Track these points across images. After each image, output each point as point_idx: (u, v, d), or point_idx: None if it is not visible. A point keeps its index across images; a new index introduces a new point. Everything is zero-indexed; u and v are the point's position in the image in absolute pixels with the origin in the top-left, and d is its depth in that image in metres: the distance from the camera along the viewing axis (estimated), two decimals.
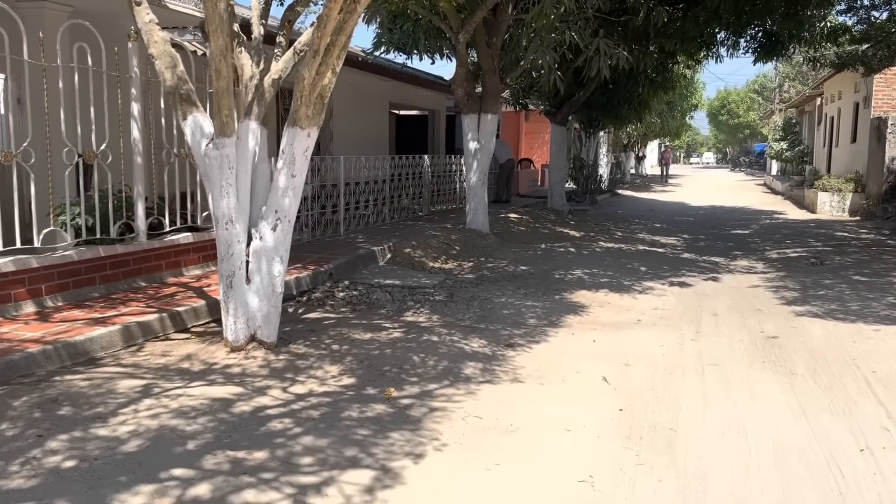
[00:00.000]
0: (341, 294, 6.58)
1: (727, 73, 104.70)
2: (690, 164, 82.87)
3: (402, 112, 18.24)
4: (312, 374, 4.20)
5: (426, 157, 11.99)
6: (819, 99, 24.98)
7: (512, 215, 12.69)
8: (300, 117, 4.22)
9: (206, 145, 4.19)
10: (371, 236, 9.20)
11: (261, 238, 4.38)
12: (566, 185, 18.72)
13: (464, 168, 10.16)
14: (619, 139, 29.28)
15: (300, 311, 6.04)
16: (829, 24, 12.41)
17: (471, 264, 8.57)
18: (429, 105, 16.50)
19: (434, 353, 4.68)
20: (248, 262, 4.46)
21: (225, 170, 4.20)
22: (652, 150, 46.56)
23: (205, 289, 5.98)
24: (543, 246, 9.99)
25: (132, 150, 6.04)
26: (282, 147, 4.35)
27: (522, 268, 8.39)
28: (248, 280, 4.44)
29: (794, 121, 29.52)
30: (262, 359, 4.42)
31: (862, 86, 17.44)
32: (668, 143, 39.78)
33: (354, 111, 12.52)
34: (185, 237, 6.68)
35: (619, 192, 23.40)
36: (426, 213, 12.27)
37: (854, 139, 18.41)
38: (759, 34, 13.11)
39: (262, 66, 4.47)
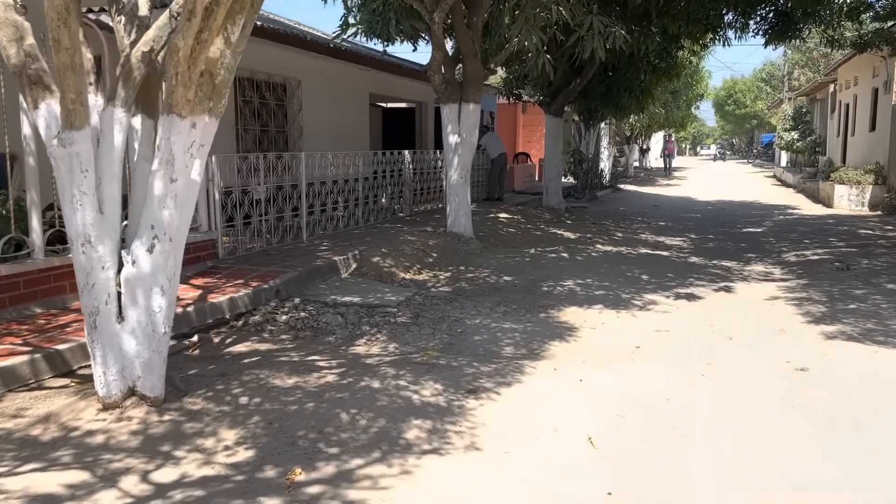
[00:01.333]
0: (284, 317, 5.53)
1: (733, 62, 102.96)
2: (698, 156, 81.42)
3: (389, 105, 17.17)
4: (198, 446, 3.15)
5: (406, 152, 10.93)
6: (832, 86, 23.77)
7: (502, 215, 11.62)
8: (177, 101, 3.17)
9: (52, 142, 3.13)
10: (338, 243, 8.15)
11: (133, 263, 3.33)
12: (564, 181, 17.66)
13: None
14: (622, 131, 28.12)
15: (227, 341, 5.00)
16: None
17: (448, 275, 7.51)
18: (415, 97, 15.41)
19: (370, 408, 3.63)
20: (120, 293, 3.40)
21: (76, 173, 3.15)
22: (657, 141, 45.34)
23: None
24: (533, 251, 8.92)
25: (23, 150, 5.00)
26: (157, 142, 3.29)
27: (506, 278, 7.33)
28: (122, 317, 3.39)
29: (804, 109, 28.29)
30: (139, 420, 3.38)
31: (882, 69, 16.25)
32: (671, 134, 38.51)
33: (329, 103, 11.46)
34: None
35: (622, 186, 22.29)
36: (408, 213, 11.21)
37: (873, 127, 17.24)
38: (770, 14, 11.98)
39: (132, 35, 3.41)
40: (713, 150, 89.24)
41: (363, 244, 8.05)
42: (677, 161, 42.30)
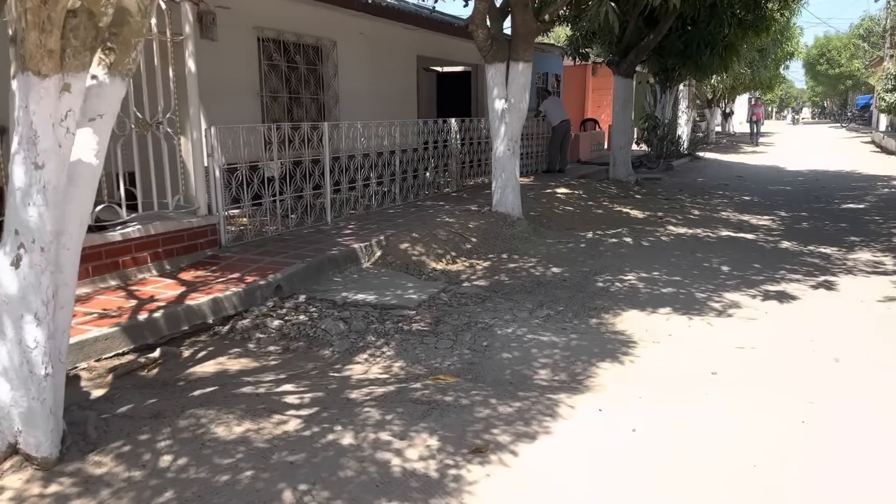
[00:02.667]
0: (277, 322, 4.60)
1: (827, 16, 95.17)
2: (787, 121, 76.41)
3: (445, 69, 15.99)
4: None
5: (453, 120, 9.81)
6: None
7: (560, 190, 10.38)
8: (31, 52, 2.20)
9: None
10: (366, 225, 7.18)
11: None
12: (637, 149, 16.16)
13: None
14: (702, 93, 25.96)
15: (198, 356, 4.11)
16: None
17: (486, 264, 6.43)
18: (470, 59, 14.15)
19: (327, 482, 2.63)
20: None
21: None
22: (740, 105, 42.30)
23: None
24: (591, 234, 7.71)
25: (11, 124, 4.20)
26: (14, 112, 2.34)
27: (554, 270, 6.19)
28: None
29: None
30: (13, 493, 2.50)
31: None
32: (758, 97, 35.65)
33: (369, 67, 10.43)
34: (134, 230, 4.99)
35: (701, 154, 20.44)
36: (455, 189, 10.13)
37: None
38: None
39: None
40: (805, 113, 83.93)
41: (394, 227, 7.04)
42: (764, 126, 39.26)
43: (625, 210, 9.52)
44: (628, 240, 7.43)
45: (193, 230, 5.64)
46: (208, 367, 3.90)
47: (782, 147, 26.69)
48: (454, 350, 4.23)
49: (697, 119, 25.92)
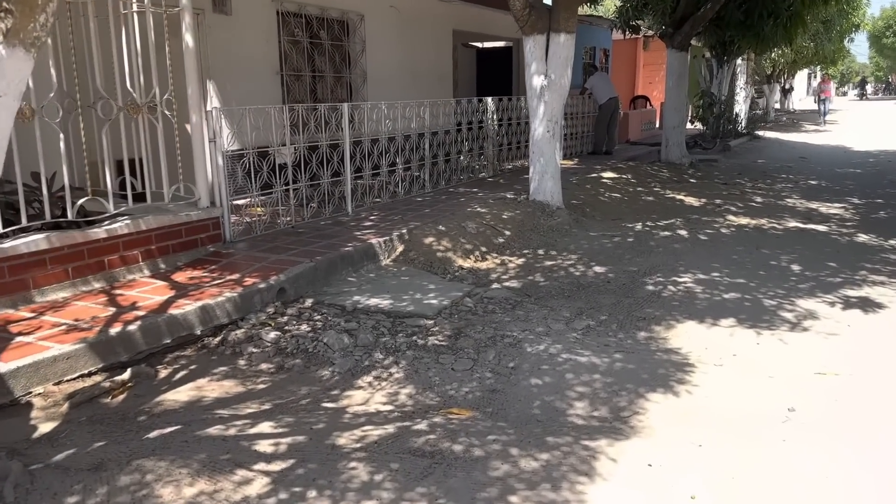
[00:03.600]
0: (272, 335, 4.01)
1: None
2: (850, 97, 72.77)
3: (485, 45, 15.18)
4: None
5: (489, 99, 9.06)
6: None
7: (607, 175, 9.55)
8: None
9: None
10: (389, 216, 6.55)
11: None
12: (691, 128, 15.13)
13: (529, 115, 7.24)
14: (761, 68, 24.44)
15: (174, 378, 3.55)
16: None
17: (520, 261, 5.73)
18: (512, 34, 13.32)
19: None
20: None
21: None
22: (800, 80, 40.12)
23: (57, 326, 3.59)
24: (640, 226, 6.92)
25: None
26: None
27: (597, 269, 5.45)
28: None
29: None
30: None
31: None
32: (826, 73, 33.61)
33: (400, 43, 9.74)
34: (123, 225, 4.48)
35: (760, 134, 19.16)
36: (491, 174, 9.41)
37: None
38: None
39: None
40: (869, 88, 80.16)
41: (419, 218, 6.40)
42: (809, 102, 36.93)
43: (679, 197, 8.66)
44: (683, 232, 6.62)
45: (192, 224, 5.09)
46: (182, 394, 3.33)
47: (847, 125, 25.03)
48: (474, 372, 3.58)
49: (755, 96, 24.46)
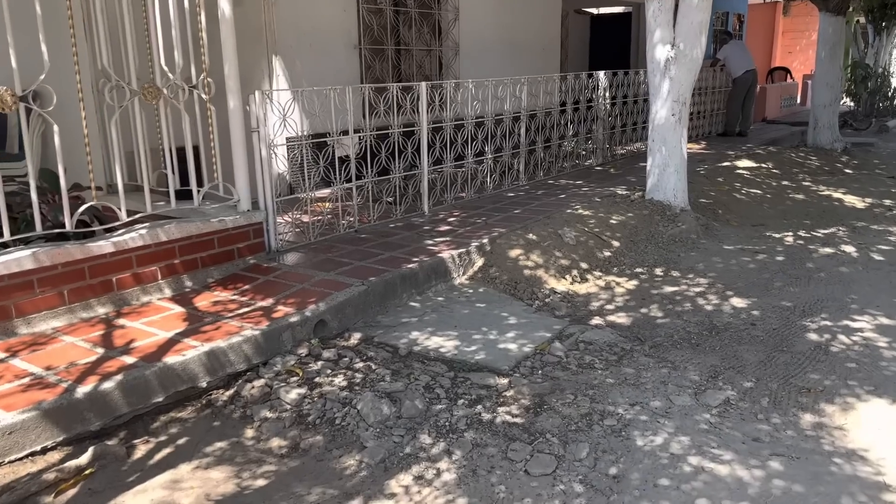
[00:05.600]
0: (293, 394, 3.06)
1: None
2: None
3: (600, 10, 13.64)
4: None
5: (601, 74, 7.72)
6: None
7: (743, 163, 8.00)
8: None
9: None
10: (470, 217, 5.48)
11: None
12: (840, 105, 13.03)
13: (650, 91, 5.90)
14: None
15: (150, 461, 2.66)
16: None
17: (631, 285, 4.51)
18: None
19: None
20: None
21: None
22: None
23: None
24: (790, 237, 5.46)
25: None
26: None
27: (736, 302, 4.15)
28: None
29: None
30: None
31: None
32: None
33: (500, 9, 8.53)
34: (135, 236, 3.70)
35: None
36: (600, 161, 8.10)
37: None
38: None
39: None
40: None
41: (507, 221, 5.28)
42: None
43: (835, 194, 7.02)
44: (849, 249, 5.12)
45: (228, 232, 4.22)
46: (150, 493, 2.43)
47: None
48: (556, 481, 2.47)
49: None
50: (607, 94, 7.84)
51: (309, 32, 6.43)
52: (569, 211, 5.49)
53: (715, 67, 10.47)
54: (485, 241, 4.77)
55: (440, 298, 4.22)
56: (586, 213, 5.44)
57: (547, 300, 4.25)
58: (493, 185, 6.41)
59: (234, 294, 3.89)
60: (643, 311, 4.09)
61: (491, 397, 3.04)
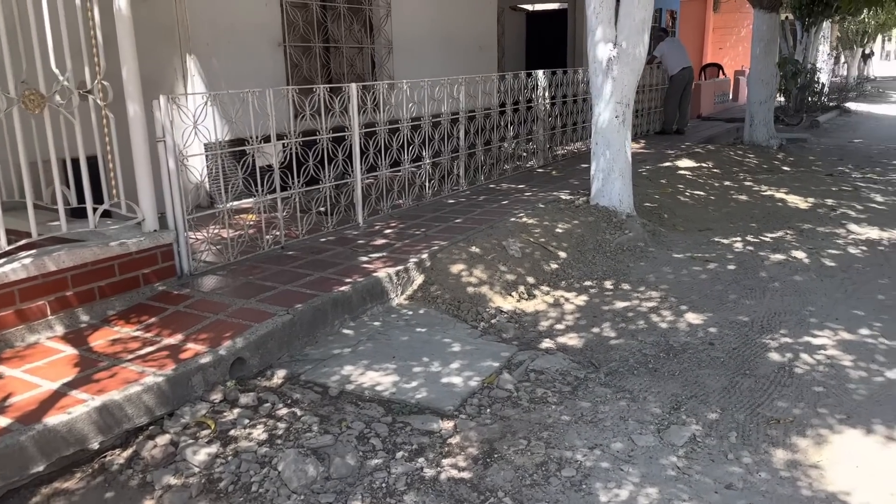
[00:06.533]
0: (201, 455, 2.62)
1: None
2: None
3: (536, 7, 13.43)
4: None
5: (540, 73, 7.45)
6: None
7: (684, 163, 7.87)
8: None
9: None
10: (408, 229, 5.10)
11: None
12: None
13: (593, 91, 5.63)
14: (848, 32, 21.91)
15: None
16: None
17: (580, 301, 4.21)
18: None
19: None
20: None
21: None
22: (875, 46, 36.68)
23: None
24: (739, 243, 5.28)
25: None
26: None
27: (692, 318, 3.90)
28: None
29: None
30: None
31: None
32: None
33: (434, 5, 8.17)
34: (17, 267, 3.14)
35: (849, 106, 16.92)
36: (542, 163, 7.83)
37: None
38: None
39: None
40: None
41: (448, 232, 4.92)
42: (883, 67, 33.44)
43: (778, 194, 6.93)
44: (800, 255, 4.96)
45: (131, 256, 3.72)
46: None
47: None
48: None
49: (837, 63, 22.00)
50: (546, 94, 7.58)
51: (227, 29, 5.92)
52: (513, 219, 5.17)
53: (652, 65, 10.36)
54: (424, 255, 4.40)
55: (377, 323, 3.83)
56: (531, 221, 5.14)
57: (493, 321, 3.91)
58: (432, 192, 6.04)
59: (138, 329, 3.41)
60: (595, 330, 3.79)
61: (434, 446, 2.67)
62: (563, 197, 5.98)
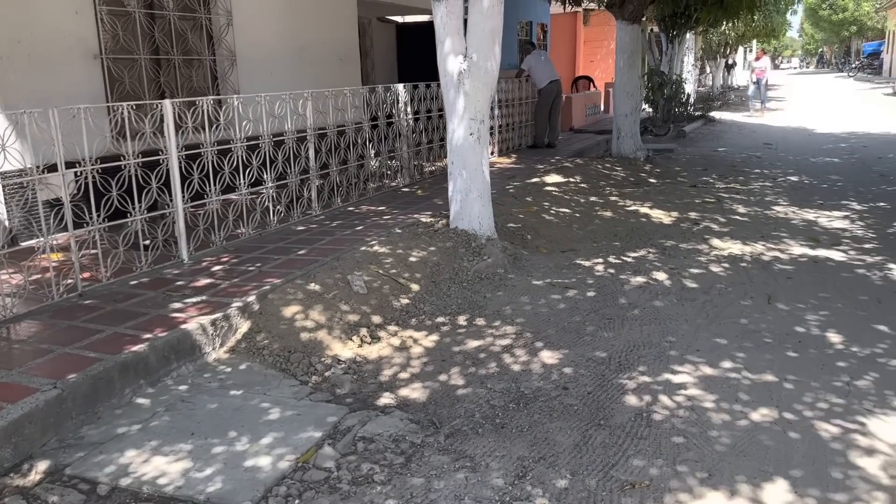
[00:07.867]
0: None
1: None
2: (778, 69, 73.36)
3: (407, 18, 13.07)
4: None
5: (400, 87, 7.02)
6: None
7: (551, 178, 7.66)
8: None
9: None
10: (241, 264, 4.50)
11: None
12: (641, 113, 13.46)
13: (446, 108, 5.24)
14: (710, 43, 23.01)
15: None
16: None
17: (430, 342, 3.76)
18: None
19: None
20: None
21: None
22: (739, 56, 39.16)
23: None
24: (601, 266, 5.00)
25: None
26: None
27: (546, 356, 3.53)
28: None
29: None
30: None
31: None
32: (763, 48, 32.58)
33: (283, 16, 7.58)
34: None
35: (714, 116, 17.64)
36: (407, 181, 7.40)
37: None
38: None
39: None
40: (794, 62, 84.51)
41: (287, 266, 4.36)
42: (745, 77, 35.38)
43: (642, 209, 6.81)
44: (661, 276, 4.73)
45: None
46: None
47: (795, 103, 23.90)
48: None
49: (702, 74, 23.07)
50: (409, 109, 7.15)
51: (27, 40, 5.10)
52: (363, 248, 4.66)
53: (520, 78, 10.21)
54: (252, 297, 3.82)
55: (183, 388, 3.21)
56: (383, 250, 4.65)
57: (327, 374, 3.39)
58: (278, 219, 5.44)
59: None
60: (442, 378, 3.35)
61: None
62: (424, 220, 5.55)
